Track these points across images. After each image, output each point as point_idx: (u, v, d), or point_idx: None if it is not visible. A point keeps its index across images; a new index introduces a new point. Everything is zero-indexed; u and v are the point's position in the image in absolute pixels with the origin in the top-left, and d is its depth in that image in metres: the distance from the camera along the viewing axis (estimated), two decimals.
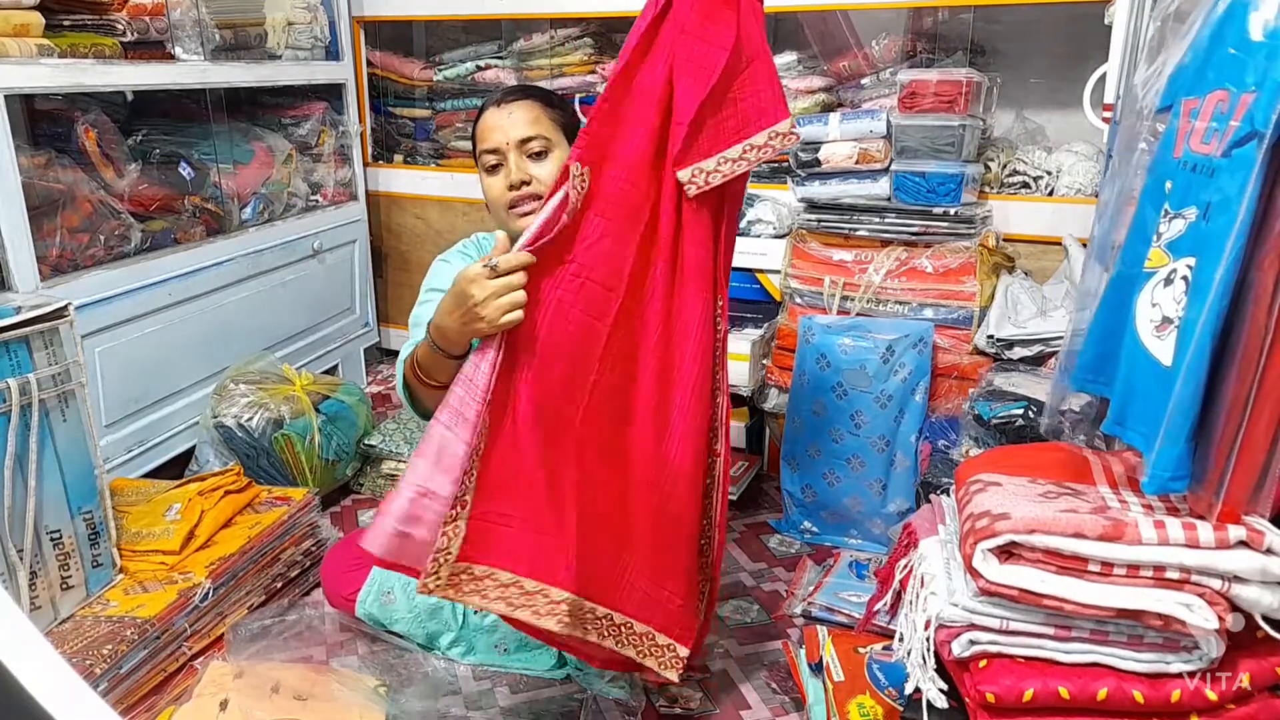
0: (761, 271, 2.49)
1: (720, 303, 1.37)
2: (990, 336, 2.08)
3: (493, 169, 1.55)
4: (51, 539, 1.60)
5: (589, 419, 1.31)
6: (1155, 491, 0.97)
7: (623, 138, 1.26)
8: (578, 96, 2.92)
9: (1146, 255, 1.02)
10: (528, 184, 1.51)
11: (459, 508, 1.29)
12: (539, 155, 1.52)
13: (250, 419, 2.27)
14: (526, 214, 1.50)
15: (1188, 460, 0.94)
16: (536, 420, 1.30)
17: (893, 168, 2.27)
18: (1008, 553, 1.01)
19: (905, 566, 1.21)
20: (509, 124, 1.52)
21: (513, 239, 1.29)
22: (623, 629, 1.42)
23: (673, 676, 1.45)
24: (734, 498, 2.35)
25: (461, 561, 1.30)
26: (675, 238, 1.29)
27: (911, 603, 1.14)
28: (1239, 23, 0.92)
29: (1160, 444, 0.94)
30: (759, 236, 2.48)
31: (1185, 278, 0.94)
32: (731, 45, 1.21)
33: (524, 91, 1.58)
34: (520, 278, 1.24)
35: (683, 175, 1.24)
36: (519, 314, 1.24)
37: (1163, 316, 0.97)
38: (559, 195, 1.25)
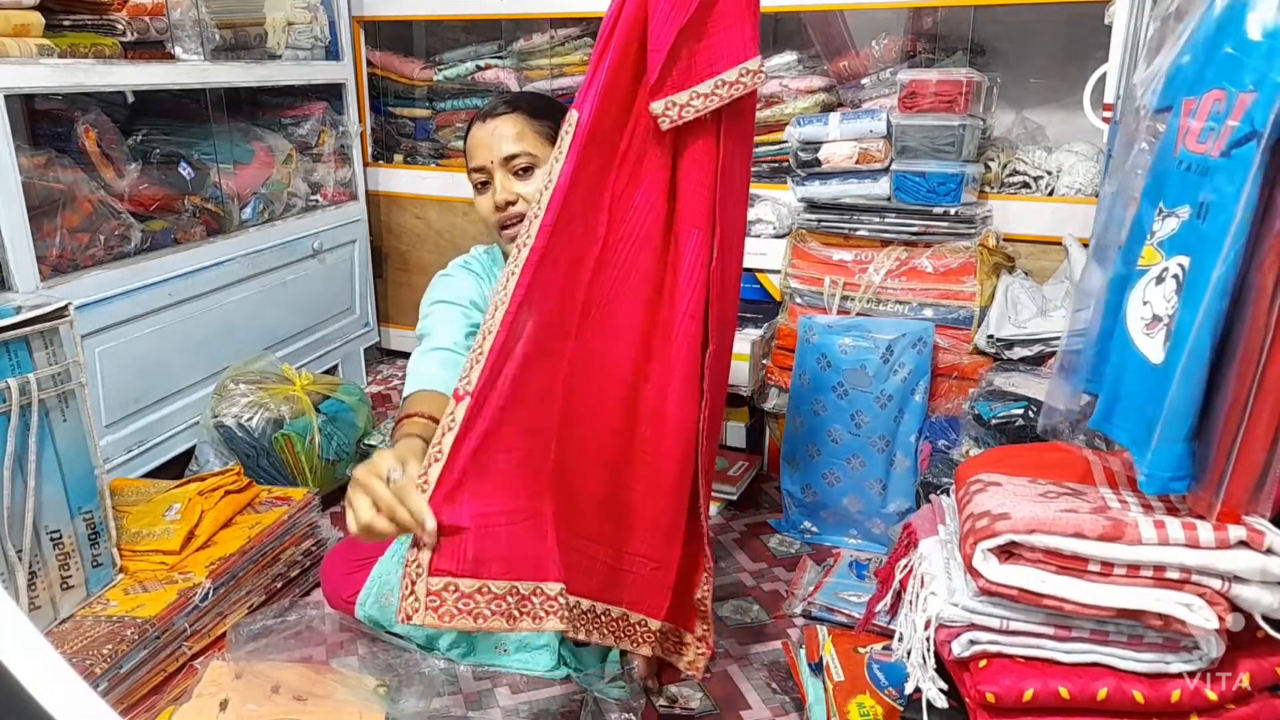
0: (761, 271, 2.48)
1: (716, 245, 1.28)
2: (990, 336, 2.08)
3: (481, 186, 1.55)
4: (51, 539, 1.60)
5: (570, 377, 1.25)
6: (1156, 491, 0.97)
7: (604, 75, 1.22)
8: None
9: (1140, 253, 1.02)
10: (513, 203, 1.51)
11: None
12: (525, 172, 1.52)
13: (250, 419, 2.27)
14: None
15: (1188, 460, 0.94)
16: (514, 391, 1.21)
17: (893, 167, 2.27)
18: (1008, 553, 1.01)
19: (905, 566, 1.21)
20: (493, 141, 1.52)
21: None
22: (592, 616, 1.35)
23: (646, 651, 1.41)
24: (734, 498, 2.35)
25: (438, 576, 1.16)
26: (670, 177, 1.24)
27: (911, 603, 1.14)
28: (1237, 22, 0.92)
29: (1158, 443, 0.94)
30: (759, 236, 2.47)
31: (1176, 276, 0.94)
32: None
33: (510, 105, 1.56)
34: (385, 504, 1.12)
35: (655, 108, 1.20)
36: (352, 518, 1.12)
37: (1153, 314, 0.97)
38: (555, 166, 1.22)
